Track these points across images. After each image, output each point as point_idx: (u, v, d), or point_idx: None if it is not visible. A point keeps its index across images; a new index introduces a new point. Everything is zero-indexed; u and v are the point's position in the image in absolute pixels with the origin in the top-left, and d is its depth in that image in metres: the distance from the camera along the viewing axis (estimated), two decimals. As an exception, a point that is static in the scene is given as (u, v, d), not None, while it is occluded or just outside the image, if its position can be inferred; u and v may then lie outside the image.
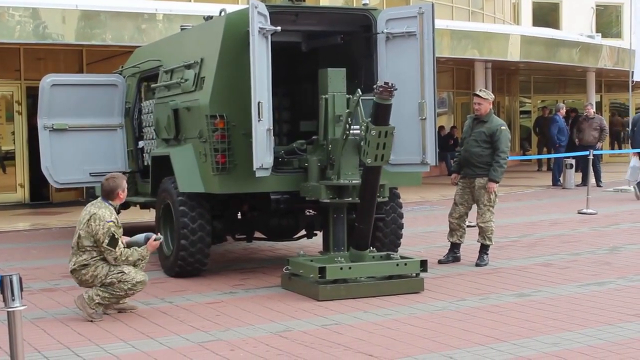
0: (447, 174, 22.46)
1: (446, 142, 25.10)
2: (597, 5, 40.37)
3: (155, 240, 8.02)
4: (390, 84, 8.41)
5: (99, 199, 8.08)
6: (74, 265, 7.93)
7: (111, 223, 7.80)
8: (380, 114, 8.55)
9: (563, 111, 23.22)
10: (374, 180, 8.75)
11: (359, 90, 8.96)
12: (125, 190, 8.13)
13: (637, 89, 30.46)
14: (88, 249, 7.87)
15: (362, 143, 8.70)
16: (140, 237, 8.11)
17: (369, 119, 8.59)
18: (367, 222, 8.90)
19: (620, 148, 33.14)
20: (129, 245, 8.03)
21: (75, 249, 7.93)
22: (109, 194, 8.03)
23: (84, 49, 18.88)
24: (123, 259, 7.88)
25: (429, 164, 9.60)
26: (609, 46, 28.08)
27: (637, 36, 21.67)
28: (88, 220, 7.85)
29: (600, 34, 31.17)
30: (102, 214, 7.82)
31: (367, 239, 8.99)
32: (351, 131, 8.92)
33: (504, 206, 16.30)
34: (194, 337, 7.21)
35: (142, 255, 8.00)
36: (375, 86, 8.52)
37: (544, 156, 26.59)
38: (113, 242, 7.80)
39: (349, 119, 8.91)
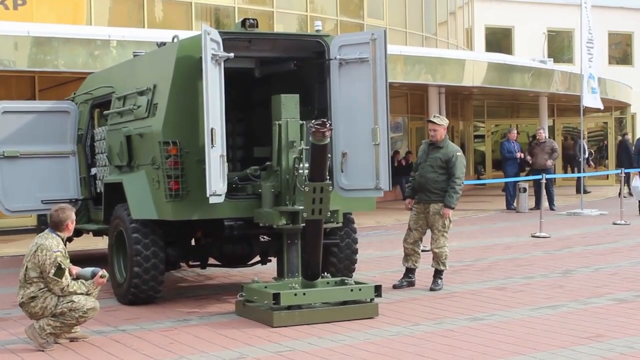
0: (402, 199, 22.55)
1: (401, 167, 25.20)
2: (549, 31, 40.92)
3: (101, 277, 7.94)
4: (324, 123, 8.41)
5: (47, 230, 8.00)
6: (22, 298, 7.83)
7: (58, 253, 7.72)
8: (316, 154, 8.62)
9: (513, 134, 23.57)
10: (316, 227, 8.81)
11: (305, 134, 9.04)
12: (74, 221, 8.07)
13: (588, 114, 30.83)
14: (35, 280, 7.77)
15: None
16: (87, 270, 8.04)
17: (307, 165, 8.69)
18: (314, 255, 8.90)
19: (573, 172, 33.47)
20: (76, 277, 7.95)
21: (23, 282, 7.84)
22: (57, 225, 7.96)
23: (36, 75, 18.71)
24: (70, 290, 7.79)
25: (383, 189, 9.63)
26: (560, 71, 28.38)
27: (586, 62, 21.92)
28: (35, 251, 7.77)
29: (552, 59, 31.50)
30: (49, 245, 7.74)
31: (316, 270, 8.98)
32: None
33: (459, 230, 16.38)
34: (147, 365, 7.15)
35: (89, 291, 7.93)
36: (309, 125, 8.54)
37: (498, 180, 26.81)
38: (60, 272, 7.71)
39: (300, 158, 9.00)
